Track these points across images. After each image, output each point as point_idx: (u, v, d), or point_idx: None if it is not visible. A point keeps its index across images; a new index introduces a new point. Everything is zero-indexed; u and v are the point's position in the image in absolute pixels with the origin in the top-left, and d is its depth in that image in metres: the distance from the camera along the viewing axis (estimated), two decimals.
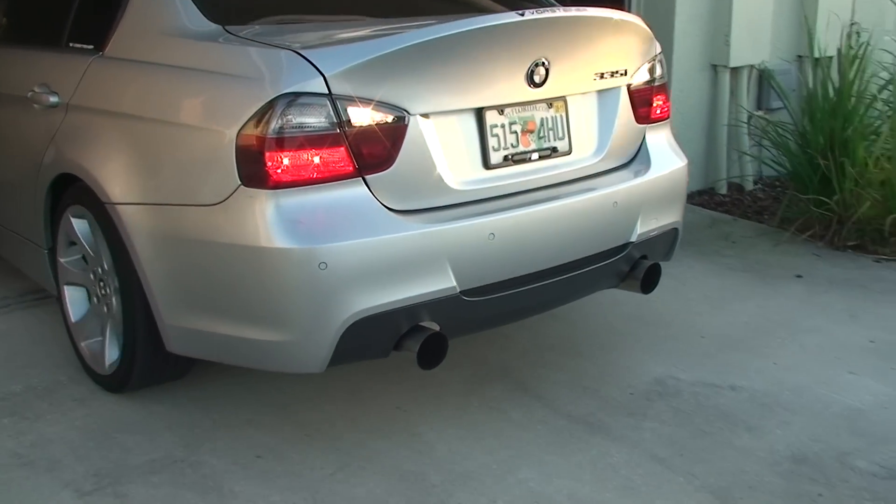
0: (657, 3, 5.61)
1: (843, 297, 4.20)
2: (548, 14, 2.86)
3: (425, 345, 2.70)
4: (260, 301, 2.64)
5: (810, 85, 5.32)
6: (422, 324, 2.75)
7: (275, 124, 2.54)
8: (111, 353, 3.15)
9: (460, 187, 2.82)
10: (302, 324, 2.61)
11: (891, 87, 5.26)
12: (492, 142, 2.88)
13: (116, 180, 2.91)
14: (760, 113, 5.92)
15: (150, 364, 3.08)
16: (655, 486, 2.73)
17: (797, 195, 5.13)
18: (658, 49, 3.38)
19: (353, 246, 2.57)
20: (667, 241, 3.43)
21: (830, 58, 5.65)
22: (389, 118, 2.65)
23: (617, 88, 3.21)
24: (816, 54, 5.55)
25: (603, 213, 3.07)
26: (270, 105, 2.54)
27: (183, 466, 2.83)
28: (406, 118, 2.68)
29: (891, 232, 4.75)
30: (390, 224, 2.65)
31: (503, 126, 2.91)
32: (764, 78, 5.97)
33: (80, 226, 3.19)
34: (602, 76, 3.13)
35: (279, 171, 2.55)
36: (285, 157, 2.55)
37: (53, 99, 3.26)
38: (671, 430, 3.03)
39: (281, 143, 2.54)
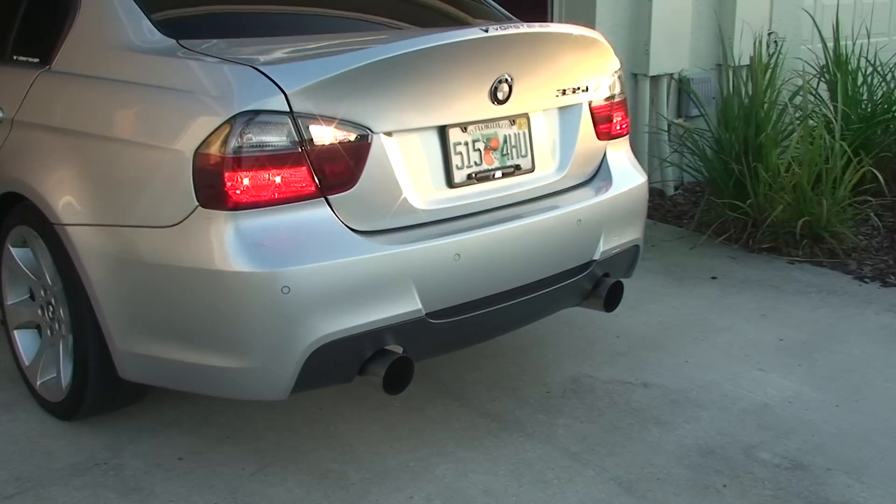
0: (578, 12, 5.66)
1: (756, 297, 4.32)
2: (511, 30, 2.81)
3: (391, 369, 2.63)
4: (219, 326, 2.55)
5: (725, 93, 5.46)
6: (387, 347, 2.68)
7: (233, 143, 2.45)
8: (65, 377, 3.03)
9: (424, 206, 2.76)
10: (263, 350, 2.52)
11: (802, 94, 5.39)
12: (455, 160, 2.82)
13: (65, 200, 2.80)
14: (680, 120, 6.06)
15: (101, 391, 2.96)
16: (567, 480, 2.82)
17: (713, 199, 5.24)
18: (618, 65, 3.35)
19: (317, 269, 2.50)
20: (628, 258, 3.40)
21: (745, 66, 5.80)
22: (352, 137, 2.58)
23: (579, 105, 3.18)
24: (732, 63, 5.71)
25: (567, 231, 3.03)
26: (229, 123, 2.45)
27: (106, 469, 2.85)
28: (369, 136, 2.61)
29: (802, 234, 4.86)
30: (354, 245, 2.57)
31: (466, 144, 2.85)
32: (682, 87, 6.09)
33: (21, 255, 3.07)
34: (564, 92, 3.09)
35: (238, 191, 2.46)
36: (245, 177, 2.46)
37: None
38: (584, 426, 3.12)
39: (240, 162, 2.46)
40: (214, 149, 2.46)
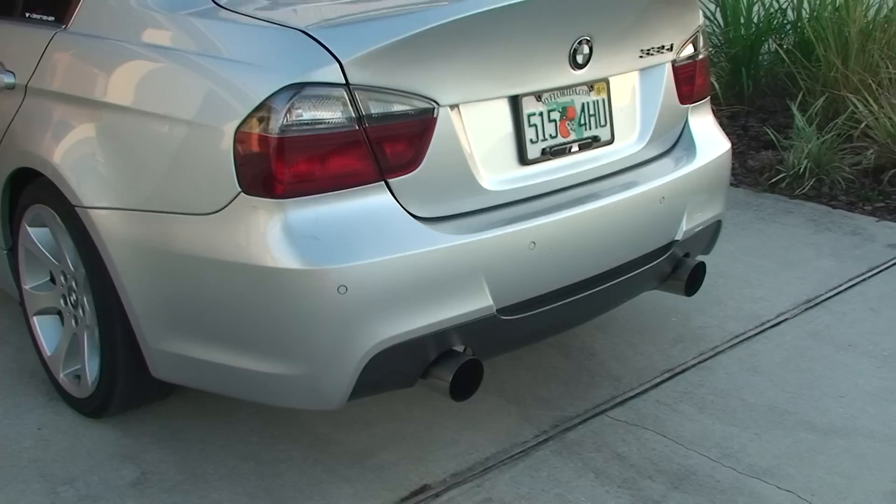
0: None
1: None
2: None
3: (459, 373, 2.33)
4: (265, 329, 2.24)
5: None
6: (453, 348, 2.37)
7: (281, 121, 2.12)
8: (91, 371, 2.74)
9: (495, 188, 2.42)
10: (317, 357, 2.21)
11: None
12: (529, 133, 2.48)
13: (87, 180, 2.48)
14: None
15: (132, 388, 2.67)
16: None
17: None
18: (701, 19, 2.98)
19: (378, 265, 2.17)
20: (709, 234, 3.07)
21: None
22: (416, 111, 2.24)
23: (661, 66, 2.82)
24: None
25: (650, 211, 2.69)
26: (275, 97, 2.12)
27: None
28: (435, 110, 2.27)
29: None
30: (419, 236, 2.25)
31: (541, 114, 2.51)
32: None
33: (39, 235, 2.76)
34: (648, 53, 2.73)
35: (287, 177, 2.13)
36: (294, 160, 2.13)
37: (8, 79, 2.79)
38: None
39: (288, 143, 2.13)
40: (259, 127, 2.13)
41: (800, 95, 5.42)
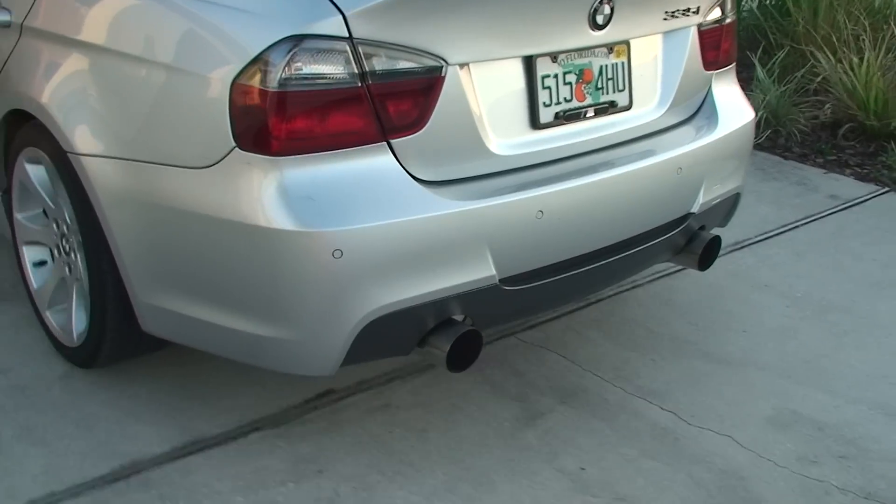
0: None
1: None
2: None
3: (457, 344, 2.24)
4: (257, 290, 2.15)
5: None
6: (452, 317, 2.28)
7: (280, 75, 2.01)
8: (79, 323, 2.66)
9: (504, 152, 2.31)
10: (309, 322, 2.13)
11: None
12: (542, 96, 2.36)
13: (80, 126, 2.37)
14: None
15: (121, 340, 2.59)
16: None
17: None
18: None
19: (376, 229, 2.08)
20: (726, 207, 2.95)
21: None
22: (423, 68, 2.13)
23: (686, 29, 2.68)
24: None
25: (666, 182, 2.58)
26: (274, 49, 2.01)
27: None
28: (443, 68, 2.15)
29: None
30: (421, 201, 2.14)
31: (556, 76, 2.38)
32: None
33: (36, 173, 2.66)
34: (672, 15, 2.59)
35: (284, 133, 2.03)
36: (292, 116, 2.03)
37: (3, 17, 2.67)
38: None
39: (287, 98, 2.02)
40: (256, 80, 2.02)
41: (761, 47, 5.46)
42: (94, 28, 2.37)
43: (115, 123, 2.30)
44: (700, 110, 2.82)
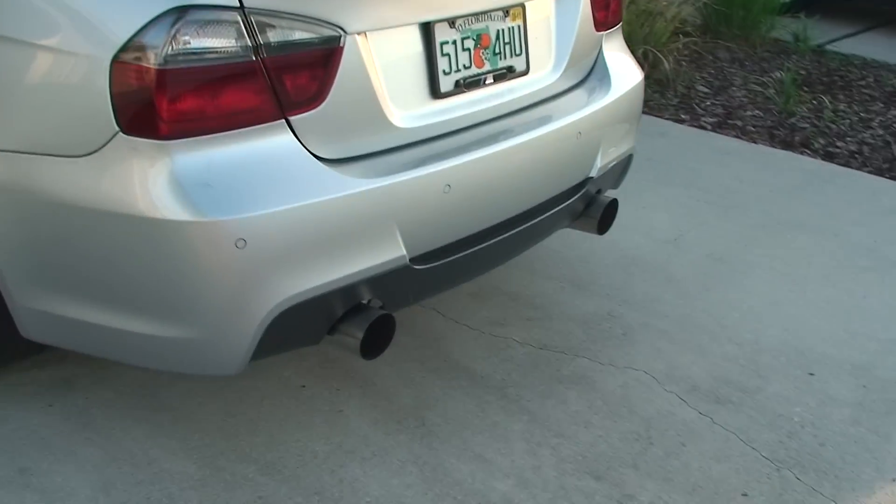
0: None
1: None
2: None
3: (371, 330, 2.12)
4: (150, 288, 1.97)
5: None
6: (362, 302, 2.16)
7: (164, 50, 1.83)
8: None
9: (406, 124, 2.19)
10: (213, 319, 1.97)
11: None
12: (442, 63, 2.25)
13: None
14: None
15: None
16: None
17: None
18: None
19: (281, 214, 1.93)
20: (620, 168, 2.92)
21: None
22: (320, 39, 1.98)
23: None
24: None
25: (567, 147, 2.52)
26: (157, 22, 1.82)
27: None
28: (342, 38, 2.01)
29: None
30: (325, 181, 2.01)
31: (454, 43, 2.28)
32: None
33: None
34: None
35: (172, 115, 1.85)
36: (181, 95, 1.85)
37: None
38: None
39: (174, 75, 1.84)
40: (139, 56, 1.83)
41: None
42: None
43: None
44: (592, 72, 2.77)
